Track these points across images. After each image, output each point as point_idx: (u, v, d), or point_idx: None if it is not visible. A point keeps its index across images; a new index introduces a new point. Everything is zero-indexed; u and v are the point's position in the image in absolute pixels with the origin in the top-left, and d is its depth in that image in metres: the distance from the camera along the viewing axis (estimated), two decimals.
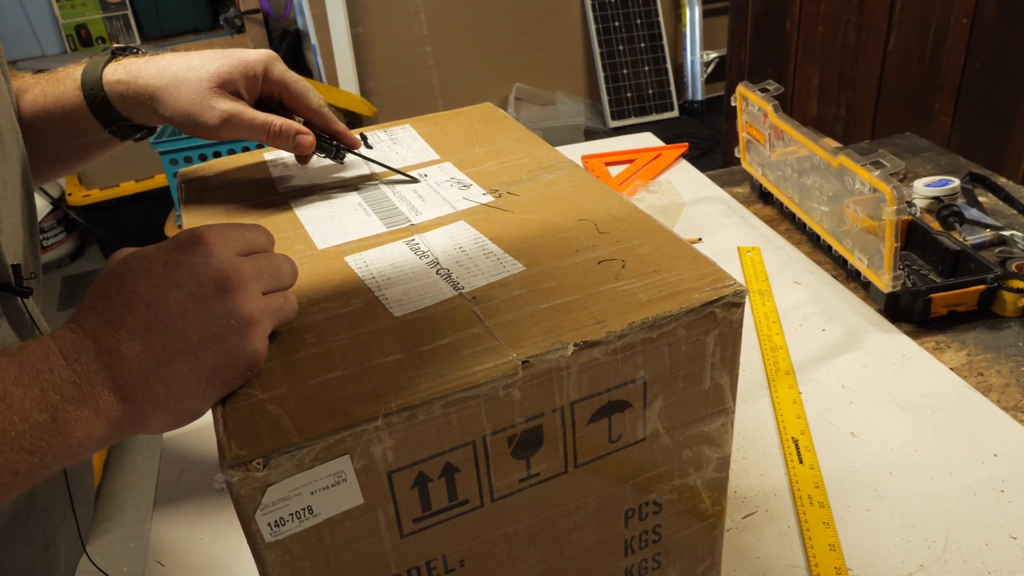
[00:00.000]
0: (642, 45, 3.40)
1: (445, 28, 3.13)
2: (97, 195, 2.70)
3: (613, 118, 3.38)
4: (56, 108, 0.62)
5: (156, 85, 0.58)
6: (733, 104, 1.14)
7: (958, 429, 0.71)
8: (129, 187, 2.72)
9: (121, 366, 0.37)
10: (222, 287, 0.39)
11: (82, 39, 2.83)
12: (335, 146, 0.62)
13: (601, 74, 3.37)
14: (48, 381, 0.36)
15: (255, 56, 0.60)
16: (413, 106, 3.10)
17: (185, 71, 0.58)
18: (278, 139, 0.59)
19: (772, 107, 1.03)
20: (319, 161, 0.66)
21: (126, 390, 0.37)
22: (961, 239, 0.90)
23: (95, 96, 0.60)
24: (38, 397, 0.36)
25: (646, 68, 3.42)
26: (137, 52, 0.62)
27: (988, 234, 0.91)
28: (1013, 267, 0.85)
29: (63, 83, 0.62)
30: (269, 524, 0.37)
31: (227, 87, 0.58)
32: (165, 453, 0.78)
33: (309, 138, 0.60)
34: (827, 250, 0.98)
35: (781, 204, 1.07)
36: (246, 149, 1.97)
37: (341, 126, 0.63)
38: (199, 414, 0.40)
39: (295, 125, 0.59)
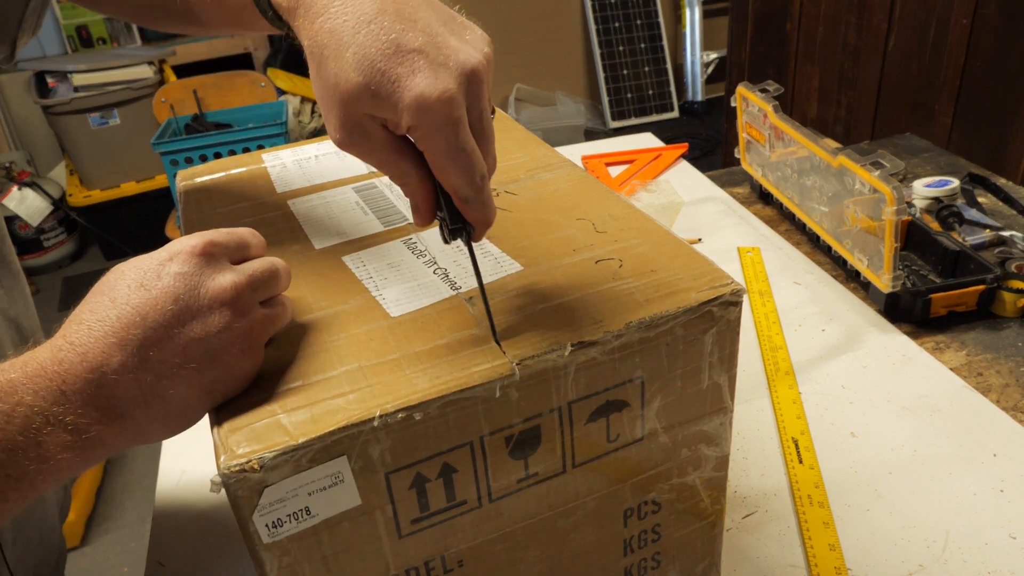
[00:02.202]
0: (642, 46, 3.40)
1: None
2: (98, 196, 2.71)
3: (613, 118, 3.38)
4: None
5: (308, 47, 0.40)
6: (733, 105, 1.14)
7: (958, 429, 0.71)
8: (130, 188, 2.72)
9: (116, 384, 0.36)
10: (220, 300, 0.38)
11: (83, 39, 2.83)
12: (451, 229, 0.43)
13: (601, 74, 3.37)
14: (29, 406, 0.35)
15: (412, 91, 0.37)
16: None
17: (332, 54, 0.38)
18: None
19: (772, 107, 1.03)
20: (317, 162, 0.66)
21: (122, 408, 0.36)
22: (961, 239, 0.90)
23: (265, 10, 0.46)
24: (20, 424, 0.34)
25: (646, 69, 3.42)
26: None
27: (987, 234, 0.91)
28: (1012, 267, 0.85)
29: None
30: (267, 525, 0.37)
31: (359, 106, 0.38)
32: (165, 453, 0.78)
33: (419, 219, 0.43)
34: (827, 250, 0.98)
35: (781, 204, 1.07)
36: (247, 150, 1.97)
37: (482, 214, 0.42)
38: (198, 421, 0.39)
39: (417, 197, 0.42)
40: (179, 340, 0.37)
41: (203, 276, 0.38)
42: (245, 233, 0.43)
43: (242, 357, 0.38)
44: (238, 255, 0.42)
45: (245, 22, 0.52)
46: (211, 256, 0.39)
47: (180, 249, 0.39)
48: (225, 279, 0.39)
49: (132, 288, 0.37)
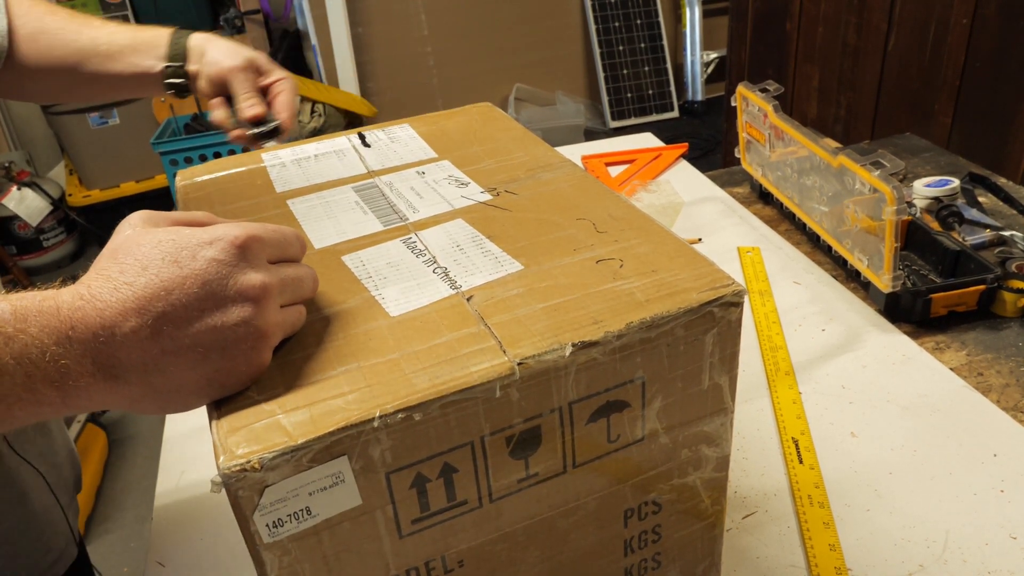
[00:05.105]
0: (642, 45, 3.40)
1: (445, 28, 3.13)
2: (97, 196, 2.70)
3: (613, 118, 3.38)
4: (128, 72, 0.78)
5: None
6: (733, 104, 1.14)
7: (958, 429, 0.71)
8: (129, 187, 2.72)
9: (122, 347, 0.36)
10: (245, 296, 0.38)
11: None
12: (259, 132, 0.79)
13: (601, 74, 3.37)
14: (33, 336, 0.35)
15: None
16: (413, 106, 3.10)
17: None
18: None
19: (772, 107, 1.03)
20: (317, 161, 0.66)
21: (119, 370, 0.37)
22: (961, 239, 0.90)
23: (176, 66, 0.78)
24: (18, 350, 0.35)
25: (646, 68, 3.42)
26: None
27: (988, 234, 0.91)
28: (1013, 267, 0.84)
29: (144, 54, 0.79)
30: (267, 525, 0.37)
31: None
32: (165, 453, 0.78)
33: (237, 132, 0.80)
34: (827, 250, 0.98)
35: (781, 204, 1.07)
36: (246, 150, 1.97)
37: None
38: (190, 408, 0.40)
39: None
40: (196, 323, 0.37)
41: (236, 268, 0.38)
42: (290, 235, 0.43)
43: (250, 353, 0.39)
44: (276, 254, 0.42)
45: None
46: (250, 250, 0.39)
47: (222, 236, 0.39)
48: (256, 277, 0.39)
49: (165, 261, 0.38)
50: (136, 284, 0.37)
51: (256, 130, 0.78)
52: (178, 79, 0.79)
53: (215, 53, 0.79)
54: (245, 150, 0.77)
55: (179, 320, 0.37)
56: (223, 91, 0.79)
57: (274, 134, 0.78)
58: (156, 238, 0.39)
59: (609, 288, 0.44)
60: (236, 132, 0.79)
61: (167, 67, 0.78)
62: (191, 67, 0.79)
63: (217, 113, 0.80)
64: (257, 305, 0.39)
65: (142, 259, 0.38)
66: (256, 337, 0.39)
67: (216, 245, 0.39)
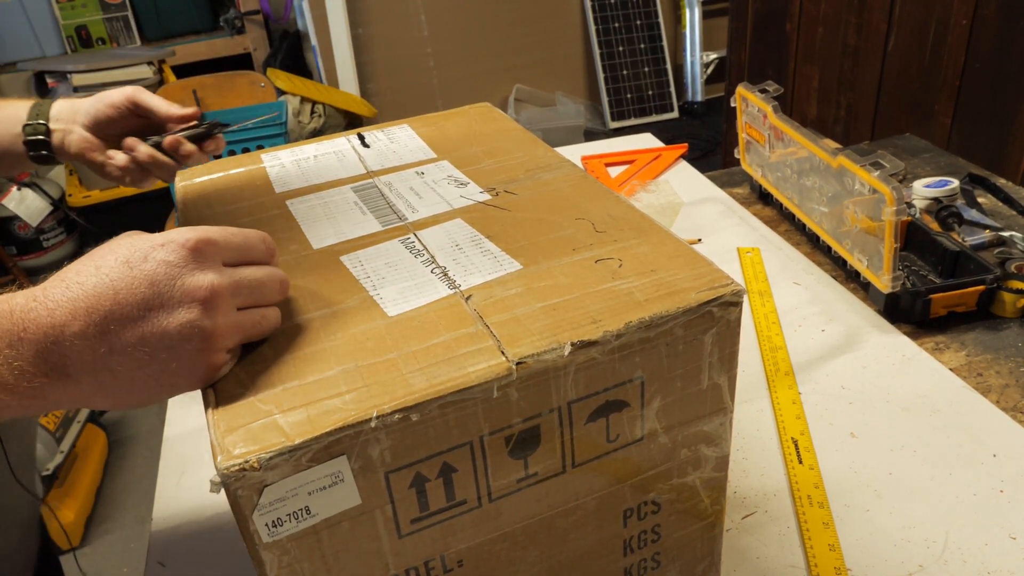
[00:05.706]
0: (642, 46, 3.40)
1: (445, 29, 3.13)
2: (97, 196, 2.70)
3: (613, 119, 3.38)
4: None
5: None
6: (733, 105, 1.14)
7: (958, 429, 0.70)
8: (129, 188, 2.71)
9: (71, 347, 0.37)
10: (192, 297, 0.38)
11: (82, 40, 2.83)
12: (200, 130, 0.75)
13: (601, 75, 3.37)
14: None
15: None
16: (413, 107, 3.10)
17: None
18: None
19: (772, 108, 1.03)
20: (316, 162, 0.66)
21: (70, 370, 0.37)
22: (960, 240, 0.90)
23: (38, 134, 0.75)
24: None
25: (646, 69, 3.42)
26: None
27: (987, 235, 0.91)
28: (1012, 268, 0.84)
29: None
30: (267, 524, 0.37)
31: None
32: (165, 453, 0.78)
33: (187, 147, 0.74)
34: (827, 251, 0.98)
35: (781, 205, 1.07)
36: (246, 150, 1.97)
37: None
38: (145, 405, 0.40)
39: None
40: (142, 323, 0.38)
41: (185, 270, 0.39)
42: (253, 237, 0.43)
43: (198, 355, 0.39)
44: (236, 257, 0.42)
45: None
46: (202, 253, 0.40)
47: (174, 239, 0.40)
48: (205, 278, 0.39)
49: (118, 263, 0.38)
50: (87, 284, 0.38)
51: (198, 129, 0.73)
52: (38, 135, 0.75)
53: (95, 96, 0.75)
54: (183, 158, 0.74)
55: (125, 320, 0.37)
56: (113, 129, 0.74)
57: (213, 128, 0.74)
58: (118, 242, 0.40)
59: (608, 288, 0.44)
60: (171, 138, 0.73)
61: (26, 126, 0.75)
62: (54, 125, 0.75)
63: (141, 150, 0.73)
64: (204, 307, 0.39)
65: (98, 261, 0.39)
66: (202, 339, 0.39)
67: (168, 247, 0.39)
